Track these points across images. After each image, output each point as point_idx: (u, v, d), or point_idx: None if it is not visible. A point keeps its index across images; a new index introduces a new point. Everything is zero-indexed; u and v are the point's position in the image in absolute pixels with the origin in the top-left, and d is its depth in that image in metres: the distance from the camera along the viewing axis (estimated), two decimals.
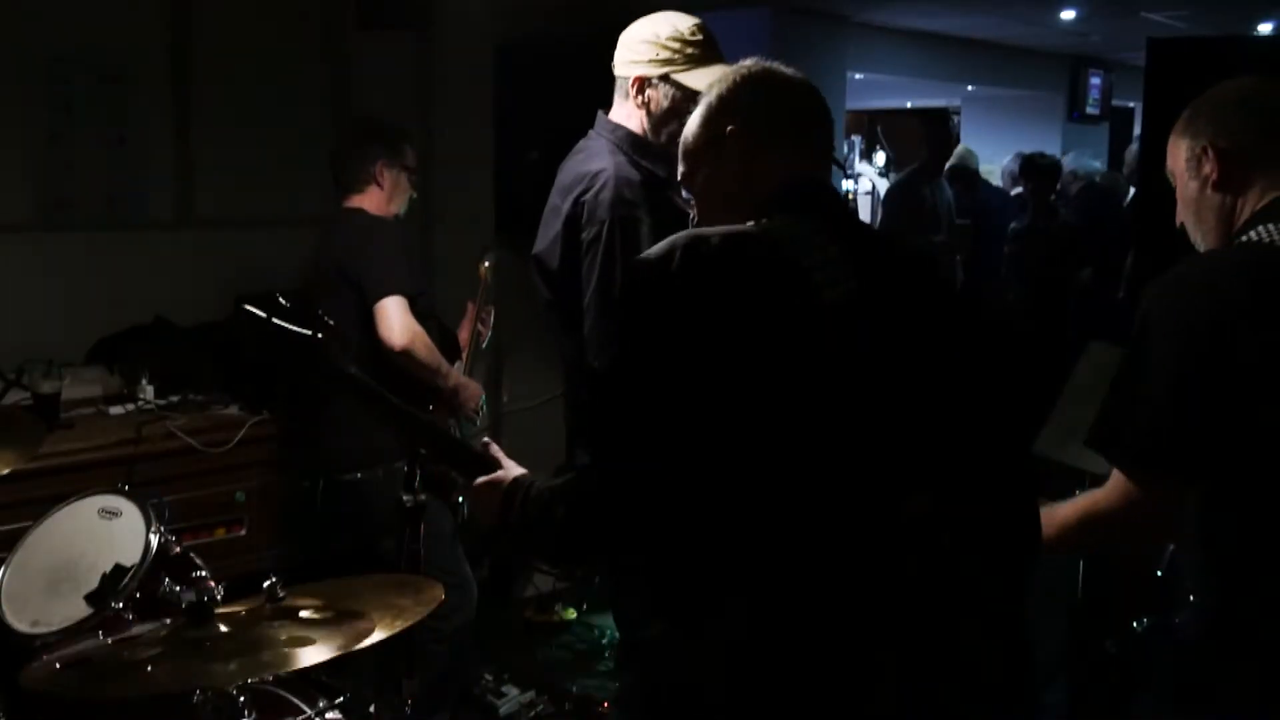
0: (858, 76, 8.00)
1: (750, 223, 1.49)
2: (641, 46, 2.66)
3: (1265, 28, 7.45)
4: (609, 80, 4.16)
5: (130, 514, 2.54)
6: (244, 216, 4.21)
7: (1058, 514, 1.79)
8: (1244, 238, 1.77)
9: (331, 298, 3.12)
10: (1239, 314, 1.65)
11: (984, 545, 1.46)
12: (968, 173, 7.14)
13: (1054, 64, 10.05)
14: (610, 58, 4.23)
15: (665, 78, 2.61)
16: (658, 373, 1.40)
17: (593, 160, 2.65)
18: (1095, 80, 10.38)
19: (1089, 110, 10.36)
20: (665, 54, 2.63)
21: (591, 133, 2.76)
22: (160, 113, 4.04)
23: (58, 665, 1.86)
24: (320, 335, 1.84)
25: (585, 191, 2.58)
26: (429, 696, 3.12)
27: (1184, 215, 1.90)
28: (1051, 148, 8.32)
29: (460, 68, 4.45)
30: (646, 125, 2.67)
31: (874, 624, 1.38)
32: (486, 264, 3.58)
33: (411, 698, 2.23)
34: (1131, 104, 10.50)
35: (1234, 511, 1.69)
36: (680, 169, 1.67)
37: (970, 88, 10.16)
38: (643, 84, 2.65)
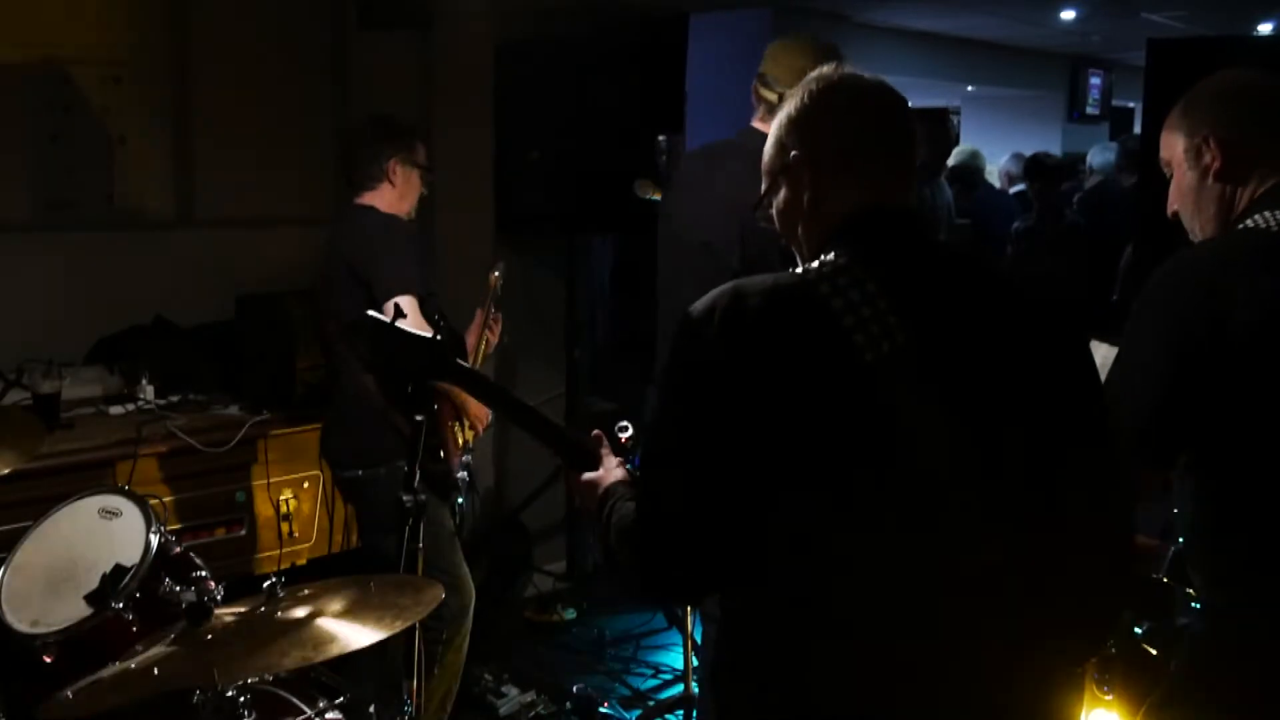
0: None
1: (800, 269, 1.44)
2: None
3: (1265, 28, 7.45)
4: (609, 80, 4.17)
5: (130, 514, 2.54)
6: (244, 216, 4.21)
7: None
8: (1242, 225, 1.78)
9: (343, 296, 3.11)
10: (1234, 297, 1.66)
11: (1061, 597, 1.40)
12: (969, 172, 7.13)
13: (1054, 64, 10.05)
14: (609, 57, 4.24)
15: None
16: (699, 434, 1.38)
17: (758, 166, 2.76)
18: (1095, 80, 10.38)
19: (1089, 110, 10.36)
20: None
21: (739, 141, 2.88)
22: (160, 113, 4.04)
23: (70, 695, 1.85)
24: (440, 337, 1.89)
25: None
26: (429, 696, 3.12)
27: (1180, 205, 1.90)
28: (1051, 148, 8.31)
29: (460, 68, 4.45)
30: None
31: (944, 672, 1.35)
32: (496, 274, 3.58)
33: (411, 698, 2.23)
34: (1131, 104, 10.51)
35: (1230, 493, 1.70)
36: (763, 185, 1.61)
37: (970, 88, 10.16)
38: None
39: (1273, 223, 1.74)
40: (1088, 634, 1.49)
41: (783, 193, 1.54)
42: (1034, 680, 1.41)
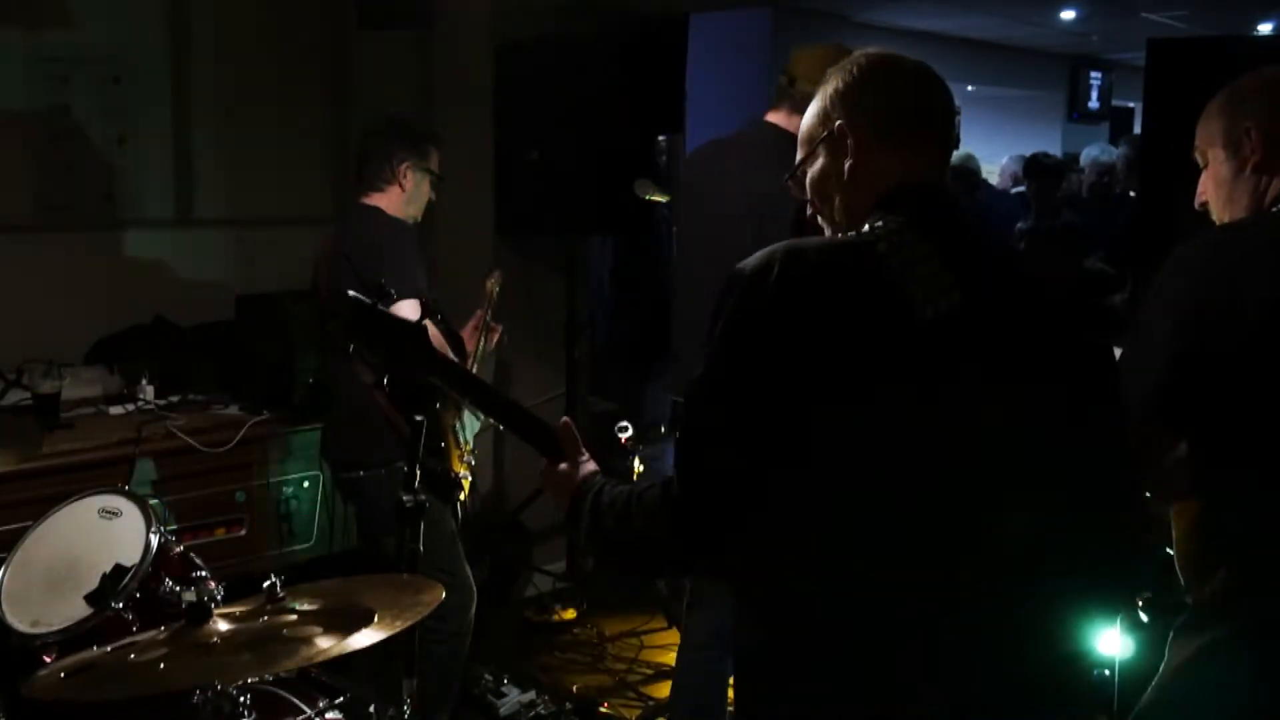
0: None
1: (852, 232, 1.46)
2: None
3: (1265, 28, 7.45)
4: (609, 80, 4.17)
5: (130, 514, 2.54)
6: (244, 216, 4.21)
7: None
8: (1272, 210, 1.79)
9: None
10: (1254, 275, 1.66)
11: (1087, 571, 1.44)
12: (968, 174, 7.14)
13: (1054, 64, 10.05)
14: (609, 57, 4.23)
15: None
16: (749, 387, 1.38)
17: (773, 157, 2.83)
18: (1095, 80, 10.39)
19: (1089, 110, 10.36)
20: None
21: (759, 137, 2.97)
22: (160, 113, 4.05)
23: (62, 675, 1.85)
24: (423, 320, 1.87)
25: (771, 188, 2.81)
26: (429, 696, 3.12)
27: (1212, 196, 1.89)
28: (1051, 148, 8.30)
29: (460, 68, 4.45)
30: None
31: (963, 640, 1.37)
32: (492, 281, 3.57)
33: (411, 698, 2.22)
34: (1131, 104, 10.51)
35: (1230, 468, 1.71)
36: (798, 155, 1.63)
37: (970, 88, 10.16)
38: None
39: None
40: (1102, 603, 1.51)
41: (820, 161, 1.57)
42: (1049, 651, 1.43)
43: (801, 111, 2.94)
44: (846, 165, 1.53)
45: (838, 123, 1.54)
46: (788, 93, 2.94)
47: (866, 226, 1.45)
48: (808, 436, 1.35)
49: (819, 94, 1.58)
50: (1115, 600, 1.56)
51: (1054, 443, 1.41)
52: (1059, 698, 1.46)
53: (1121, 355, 1.75)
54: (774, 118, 2.96)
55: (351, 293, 1.88)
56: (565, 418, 1.79)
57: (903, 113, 1.53)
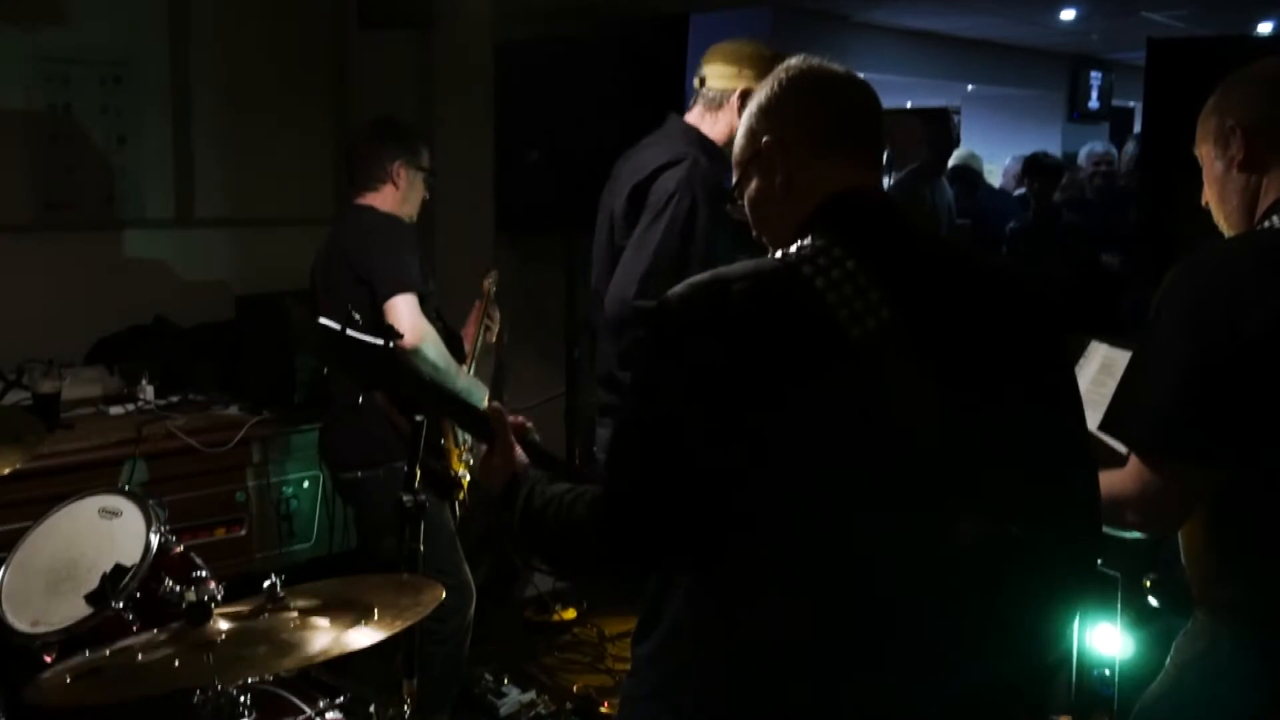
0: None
1: (779, 253, 1.44)
2: (750, 62, 2.93)
3: (1265, 28, 7.45)
4: (609, 80, 4.18)
5: (130, 514, 2.54)
6: (244, 216, 4.22)
7: None
8: (1264, 225, 1.76)
9: (342, 294, 3.12)
10: (1250, 298, 1.64)
11: (1039, 567, 1.41)
12: (969, 173, 7.14)
13: (1054, 64, 10.05)
14: (609, 57, 4.25)
15: None
16: (675, 422, 1.37)
17: (674, 148, 2.91)
18: (1095, 80, 10.39)
19: (1089, 110, 10.37)
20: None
21: (664, 131, 3.03)
22: (160, 113, 4.05)
23: (69, 679, 1.84)
24: (392, 344, 1.88)
25: (665, 168, 2.85)
26: (429, 696, 3.12)
27: (1209, 195, 1.87)
28: (1051, 148, 8.30)
29: (460, 68, 4.45)
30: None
31: (911, 646, 1.35)
32: (489, 281, 3.59)
33: (411, 698, 2.23)
34: (1131, 104, 10.51)
35: (1244, 498, 1.69)
36: (734, 177, 1.62)
37: (970, 88, 10.17)
38: (747, 96, 2.87)
39: None
40: (1068, 597, 1.50)
41: (754, 182, 1.54)
42: (1013, 664, 1.41)
43: (712, 110, 2.99)
44: (778, 181, 1.50)
45: (764, 139, 1.51)
46: (699, 93, 2.98)
47: (795, 246, 1.42)
48: (744, 462, 1.34)
49: (745, 113, 1.57)
50: (1078, 602, 1.54)
51: (1007, 448, 1.39)
52: (1026, 710, 1.45)
53: (1123, 378, 1.74)
54: (688, 117, 3.00)
55: (322, 320, 1.89)
56: (494, 402, 1.80)
57: (829, 122, 1.51)
